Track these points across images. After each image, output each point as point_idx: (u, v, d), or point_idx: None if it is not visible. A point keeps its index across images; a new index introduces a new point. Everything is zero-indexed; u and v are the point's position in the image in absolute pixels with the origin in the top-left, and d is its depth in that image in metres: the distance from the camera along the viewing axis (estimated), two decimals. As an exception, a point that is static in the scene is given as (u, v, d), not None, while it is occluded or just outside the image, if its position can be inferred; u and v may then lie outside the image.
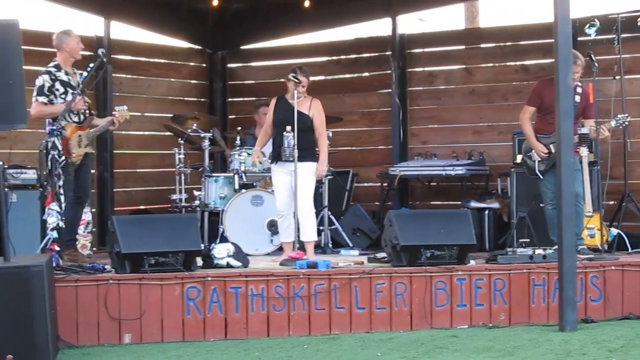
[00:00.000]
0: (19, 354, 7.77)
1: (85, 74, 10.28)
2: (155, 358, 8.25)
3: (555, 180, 10.15)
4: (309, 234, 10.60)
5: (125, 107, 10.77)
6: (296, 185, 10.31)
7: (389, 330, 9.39)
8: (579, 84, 10.71)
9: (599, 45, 12.26)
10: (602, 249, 10.47)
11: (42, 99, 10.23)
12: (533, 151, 10.76)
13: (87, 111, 10.50)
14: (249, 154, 11.97)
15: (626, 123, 10.97)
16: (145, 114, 14.51)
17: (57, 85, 10.25)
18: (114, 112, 10.90)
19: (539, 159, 10.65)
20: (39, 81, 10.30)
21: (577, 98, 10.59)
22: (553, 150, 10.49)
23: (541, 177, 10.65)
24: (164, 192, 13.44)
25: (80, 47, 10.50)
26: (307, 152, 10.58)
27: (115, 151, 13.86)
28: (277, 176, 10.72)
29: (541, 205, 11.16)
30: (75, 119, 10.31)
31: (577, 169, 10.61)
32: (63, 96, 10.21)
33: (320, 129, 10.75)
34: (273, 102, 10.92)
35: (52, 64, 10.42)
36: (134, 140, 14.50)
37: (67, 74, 10.36)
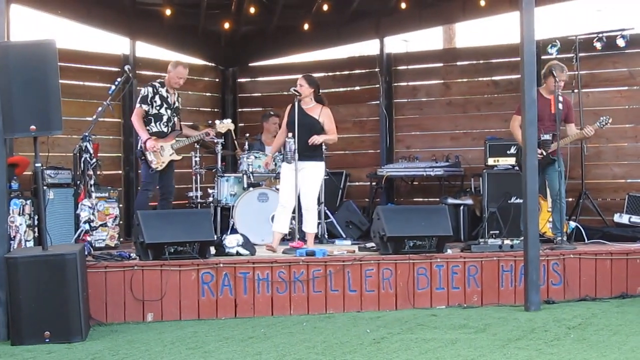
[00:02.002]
0: (56, 330, 7.82)
1: (113, 87, 10.30)
2: (174, 334, 8.22)
3: (540, 180, 10.18)
4: (311, 227, 10.54)
5: (229, 120, 11.46)
6: (296, 183, 10.25)
7: (377, 310, 9.38)
8: (560, 93, 10.70)
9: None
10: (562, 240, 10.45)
11: (144, 106, 10.69)
12: None
13: (174, 125, 10.81)
14: (256, 157, 11.96)
15: (608, 124, 10.90)
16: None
17: (157, 98, 10.68)
18: (215, 123, 11.41)
19: None
20: (143, 91, 10.82)
21: (560, 106, 10.59)
22: (544, 153, 10.46)
23: None
24: (182, 190, 13.37)
25: (176, 81, 10.83)
26: (317, 152, 10.53)
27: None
28: (286, 172, 10.46)
29: (509, 202, 11.15)
30: (157, 128, 10.50)
31: (560, 170, 10.57)
32: (158, 107, 10.52)
33: (330, 132, 10.63)
34: (288, 109, 10.71)
35: (159, 80, 10.88)
36: (155, 145, 14.45)
37: (167, 91, 10.78)
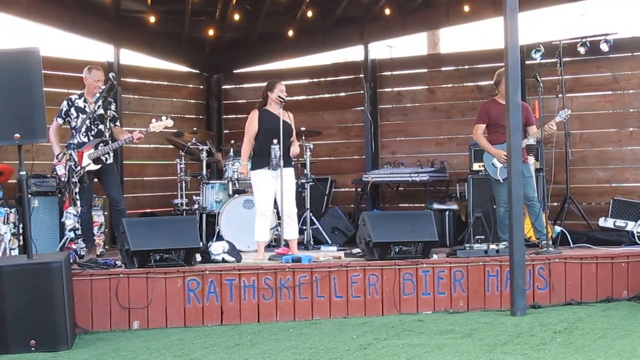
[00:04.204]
0: (42, 338, 7.79)
1: (97, 94, 10.29)
2: (160, 342, 8.21)
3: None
4: (295, 233, 10.52)
5: (166, 118, 10.58)
6: (282, 190, 10.21)
7: (363, 316, 9.38)
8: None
9: (543, 67, 12.33)
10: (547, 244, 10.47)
11: (59, 120, 10.51)
12: (494, 159, 10.75)
13: (98, 134, 10.43)
14: (241, 164, 11.96)
15: (568, 116, 10.91)
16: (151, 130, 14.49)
17: (72, 110, 10.42)
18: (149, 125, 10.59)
19: (501, 166, 10.62)
20: (61, 105, 10.52)
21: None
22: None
23: (502, 181, 10.62)
24: (167, 197, 13.41)
25: (96, 85, 10.46)
26: (291, 158, 10.54)
27: (125, 162, 13.82)
28: (266, 180, 10.29)
29: (494, 207, 11.17)
30: (78, 140, 10.28)
31: (530, 176, 10.64)
32: (75, 119, 10.31)
33: (294, 135, 10.68)
34: (256, 113, 10.52)
35: (78, 92, 10.59)
36: (141, 152, 14.47)
37: (85, 101, 10.41)
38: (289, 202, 10.37)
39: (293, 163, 10.73)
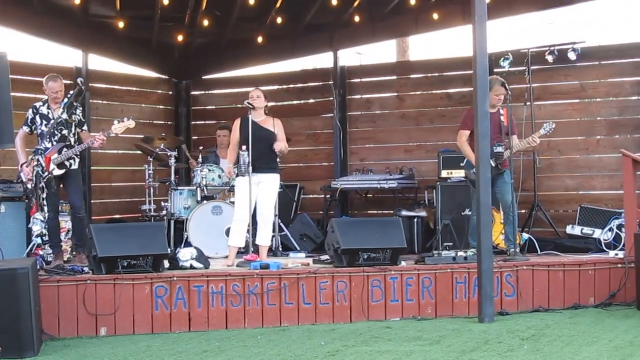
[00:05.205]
0: (7, 345, 7.73)
1: (65, 100, 10.21)
2: (127, 348, 8.17)
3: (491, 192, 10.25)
4: (266, 239, 10.51)
5: (127, 119, 10.47)
6: (250, 197, 10.21)
7: (331, 323, 9.38)
8: (500, 108, 10.74)
9: (512, 75, 12.39)
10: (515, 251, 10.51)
11: (25, 128, 10.38)
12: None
13: (62, 139, 10.33)
14: (209, 170, 11.95)
15: (552, 129, 10.94)
16: (119, 135, 14.38)
17: (37, 117, 10.31)
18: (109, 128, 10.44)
19: None
20: (27, 113, 10.40)
21: (503, 118, 10.65)
22: (493, 165, 10.43)
23: None
24: (135, 203, 13.35)
25: (53, 97, 10.30)
26: (273, 164, 10.49)
27: (92, 167, 13.77)
28: (242, 186, 10.31)
29: (462, 214, 11.20)
30: (43, 146, 10.21)
31: (509, 182, 10.64)
32: (41, 127, 10.21)
33: (282, 140, 10.57)
34: (237, 122, 10.57)
35: (44, 98, 10.45)
36: (109, 158, 14.43)
37: (49, 108, 10.32)
38: (267, 208, 10.38)
39: (277, 170, 10.66)
